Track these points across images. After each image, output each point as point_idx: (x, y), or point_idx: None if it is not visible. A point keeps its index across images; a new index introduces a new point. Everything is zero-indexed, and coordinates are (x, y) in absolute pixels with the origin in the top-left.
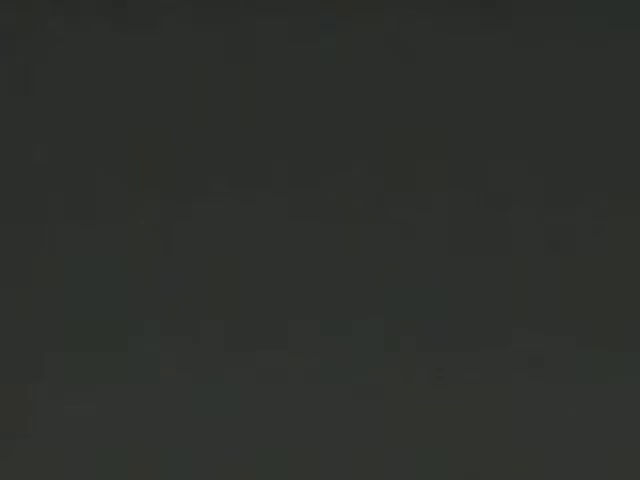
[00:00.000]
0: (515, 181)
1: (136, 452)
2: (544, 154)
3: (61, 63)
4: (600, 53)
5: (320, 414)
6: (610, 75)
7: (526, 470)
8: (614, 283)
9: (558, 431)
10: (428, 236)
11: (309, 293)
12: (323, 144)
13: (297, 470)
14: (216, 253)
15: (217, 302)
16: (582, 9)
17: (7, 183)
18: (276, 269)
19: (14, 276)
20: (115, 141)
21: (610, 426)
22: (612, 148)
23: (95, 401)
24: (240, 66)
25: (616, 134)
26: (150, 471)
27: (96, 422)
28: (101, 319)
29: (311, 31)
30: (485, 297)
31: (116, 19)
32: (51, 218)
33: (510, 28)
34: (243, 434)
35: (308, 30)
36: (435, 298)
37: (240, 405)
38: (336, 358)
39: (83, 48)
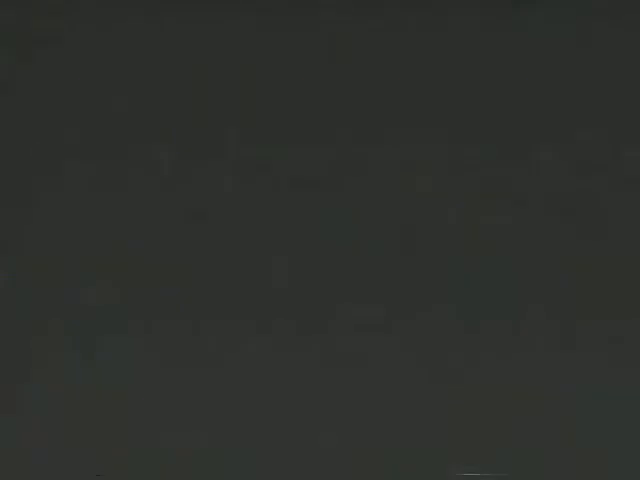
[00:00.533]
0: (513, 182)
1: (136, 451)
2: (545, 155)
3: (61, 63)
4: (601, 54)
5: (320, 415)
6: (611, 76)
7: (526, 471)
8: (615, 284)
9: (559, 432)
10: (427, 235)
11: (303, 290)
12: (323, 144)
13: (297, 471)
14: (216, 252)
15: (217, 302)
16: (583, 9)
17: (6, 184)
18: (276, 268)
19: (13, 275)
20: (115, 141)
21: (611, 427)
22: (613, 149)
23: (95, 401)
24: (240, 66)
25: (617, 136)
26: (150, 472)
27: (96, 422)
28: (101, 319)
29: (311, 31)
30: (484, 294)
31: (116, 19)
32: (52, 218)
33: (510, 28)
34: (243, 435)
35: (308, 30)
36: (434, 293)
37: (240, 407)
38: (335, 358)
39: (83, 48)
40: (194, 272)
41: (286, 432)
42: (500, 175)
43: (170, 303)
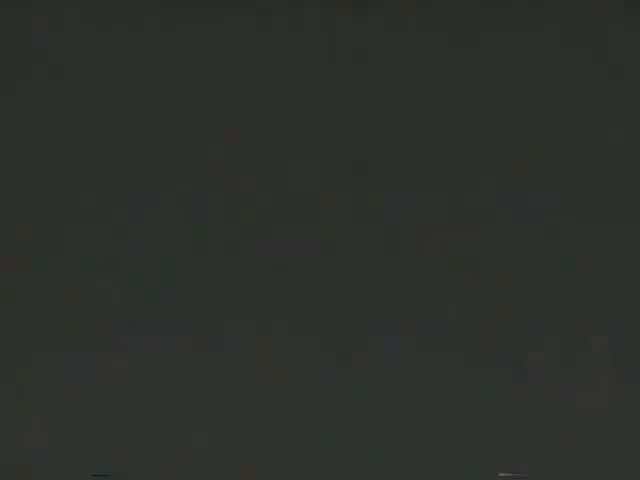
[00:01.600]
0: (507, 183)
1: (136, 451)
2: (542, 158)
3: (61, 63)
4: (602, 54)
5: (320, 416)
6: (610, 75)
7: (526, 472)
8: (613, 285)
9: (559, 435)
10: (423, 239)
11: (295, 292)
12: (323, 144)
13: (296, 472)
14: (216, 251)
15: (217, 302)
16: (583, 8)
17: (4, 186)
18: (273, 268)
19: (14, 275)
20: (116, 141)
21: (610, 427)
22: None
23: (93, 403)
24: (240, 66)
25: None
26: (149, 475)
27: (96, 421)
28: (100, 319)
29: (311, 30)
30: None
31: (116, 19)
32: (50, 219)
33: (510, 29)
34: (243, 435)
35: (308, 29)
36: (430, 299)
37: (240, 409)
38: (333, 359)
39: (83, 48)
40: (194, 272)
41: (285, 433)
42: (503, 175)
43: (170, 303)
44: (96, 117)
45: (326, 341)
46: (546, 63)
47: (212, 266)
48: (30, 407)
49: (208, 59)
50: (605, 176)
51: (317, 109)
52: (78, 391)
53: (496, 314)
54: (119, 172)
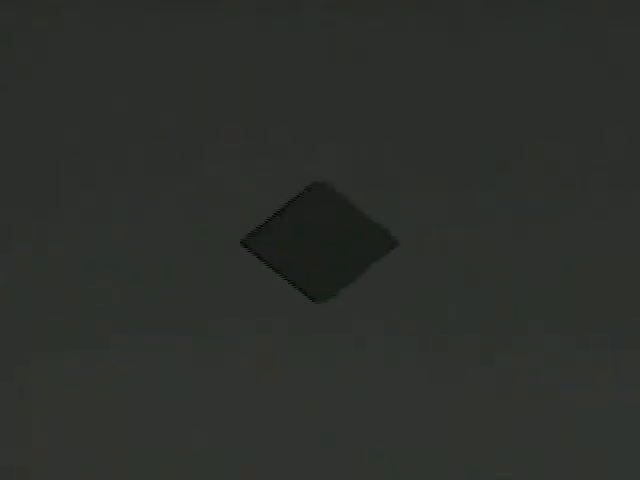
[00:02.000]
0: (508, 184)
1: (136, 451)
2: (542, 158)
3: (61, 63)
4: (602, 54)
5: (320, 416)
6: (608, 74)
7: (526, 473)
8: (613, 284)
9: (559, 435)
10: (423, 239)
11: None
12: (323, 144)
13: (296, 471)
14: (216, 251)
15: (216, 303)
16: (583, 8)
17: (4, 186)
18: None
19: (13, 274)
20: (116, 141)
21: (611, 427)
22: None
23: (93, 403)
24: (240, 66)
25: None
26: (148, 475)
27: (96, 422)
28: (100, 319)
29: (311, 30)
30: (483, 298)
31: (116, 19)
32: (51, 219)
33: (510, 29)
34: (243, 435)
35: (308, 29)
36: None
37: (239, 409)
38: (334, 359)
39: (83, 48)
40: (194, 272)
41: (285, 433)
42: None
43: (170, 303)
44: (96, 117)
45: (327, 341)
46: (546, 63)
47: (212, 266)
48: (30, 407)
49: (208, 59)
50: (605, 176)
51: (317, 109)
52: (78, 391)
53: (496, 314)
54: (119, 172)
